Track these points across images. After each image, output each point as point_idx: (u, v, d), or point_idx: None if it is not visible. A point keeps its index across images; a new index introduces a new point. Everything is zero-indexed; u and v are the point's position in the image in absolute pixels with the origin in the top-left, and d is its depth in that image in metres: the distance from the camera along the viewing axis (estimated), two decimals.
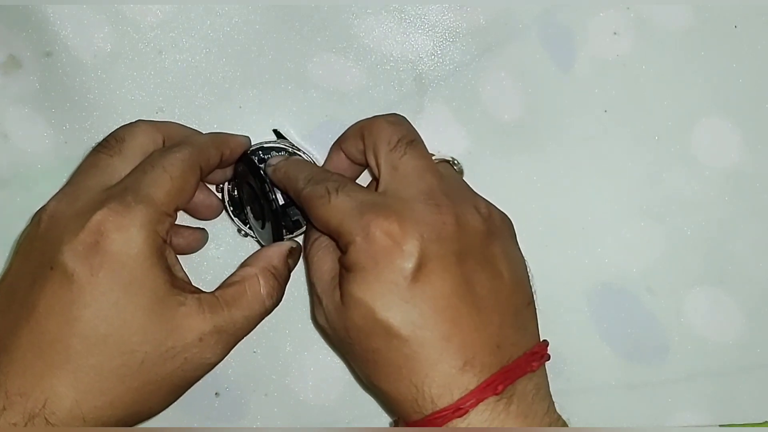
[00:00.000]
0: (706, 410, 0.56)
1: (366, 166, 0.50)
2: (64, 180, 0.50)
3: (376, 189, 0.47)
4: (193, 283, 0.48)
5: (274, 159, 0.52)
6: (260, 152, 0.53)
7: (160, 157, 0.46)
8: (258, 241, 0.55)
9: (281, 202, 0.52)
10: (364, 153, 0.49)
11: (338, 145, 0.52)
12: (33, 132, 0.55)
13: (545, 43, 0.56)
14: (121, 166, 0.47)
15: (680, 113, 0.56)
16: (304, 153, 0.54)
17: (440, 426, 0.42)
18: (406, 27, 0.56)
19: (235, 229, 0.55)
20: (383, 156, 0.47)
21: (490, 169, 0.56)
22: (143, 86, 0.55)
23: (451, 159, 0.50)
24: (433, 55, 0.56)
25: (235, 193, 0.54)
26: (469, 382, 0.42)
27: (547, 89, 0.56)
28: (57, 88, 0.55)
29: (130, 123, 0.50)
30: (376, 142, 0.48)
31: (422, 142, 0.48)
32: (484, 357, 0.43)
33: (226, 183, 0.54)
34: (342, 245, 0.45)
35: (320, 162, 0.54)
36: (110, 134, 0.49)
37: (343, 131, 0.51)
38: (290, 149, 0.54)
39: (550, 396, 0.45)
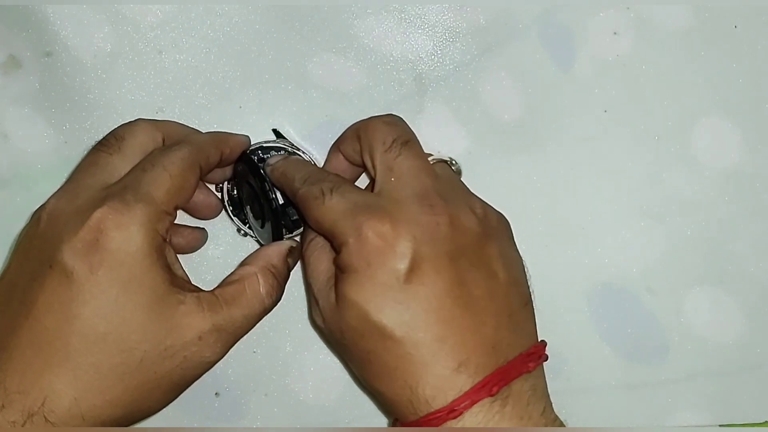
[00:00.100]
0: (706, 410, 0.56)
1: (364, 167, 0.50)
2: (64, 180, 0.50)
3: (372, 190, 0.47)
4: (192, 283, 0.48)
5: (273, 158, 0.52)
6: (259, 152, 0.53)
7: (159, 155, 0.46)
8: (257, 241, 0.55)
9: (281, 201, 0.52)
10: (361, 154, 0.49)
11: (336, 146, 0.52)
12: (33, 132, 0.55)
13: (545, 43, 0.56)
14: (120, 165, 0.47)
15: (680, 113, 0.56)
16: (303, 152, 0.54)
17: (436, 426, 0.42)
18: (406, 27, 0.56)
19: (235, 228, 0.55)
20: (378, 157, 0.47)
21: (490, 169, 0.56)
22: (143, 86, 0.55)
23: (449, 159, 0.50)
24: (433, 55, 0.56)
25: (235, 192, 0.54)
26: (464, 383, 0.42)
27: (547, 89, 0.56)
28: (57, 88, 0.55)
29: (130, 121, 0.50)
30: (372, 142, 0.48)
31: (418, 142, 0.48)
32: (479, 358, 0.42)
33: (226, 182, 0.54)
34: (336, 246, 0.45)
35: (320, 162, 0.54)
36: (110, 133, 0.49)
37: (343, 131, 0.51)
38: (289, 149, 0.54)
39: (548, 396, 0.45)
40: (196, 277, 0.52)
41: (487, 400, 0.42)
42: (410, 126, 0.49)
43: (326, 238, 0.47)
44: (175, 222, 0.47)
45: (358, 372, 0.47)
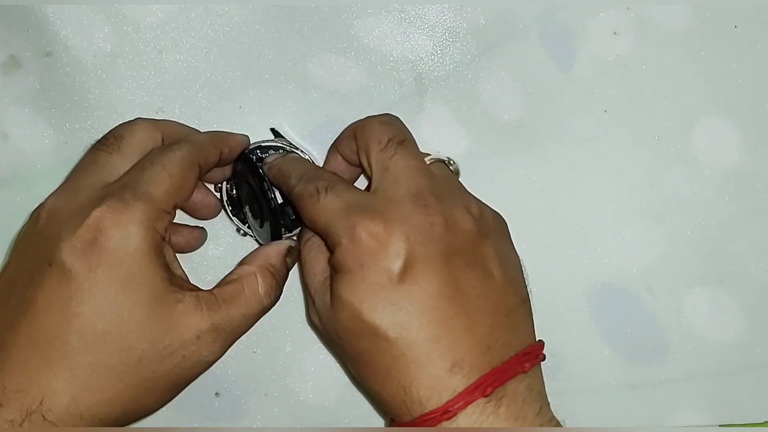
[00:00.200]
0: (706, 410, 0.56)
1: (361, 167, 0.50)
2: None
3: (369, 189, 0.47)
4: (192, 282, 0.48)
5: (271, 157, 0.52)
6: (258, 151, 0.53)
7: (159, 154, 0.47)
8: (257, 240, 0.55)
9: (280, 200, 0.52)
10: (358, 154, 0.49)
11: (335, 147, 0.52)
12: (33, 132, 0.55)
13: (545, 43, 0.56)
14: (120, 164, 0.47)
15: (680, 113, 0.56)
16: (301, 151, 0.54)
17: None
18: (406, 27, 0.56)
19: (234, 228, 0.55)
20: (374, 156, 0.47)
21: (490, 169, 0.56)
22: (143, 86, 0.55)
23: (446, 159, 0.49)
24: (433, 55, 0.56)
25: (234, 192, 0.54)
26: (458, 384, 0.42)
27: (547, 89, 0.56)
28: (57, 88, 0.55)
29: (130, 121, 0.50)
30: (368, 142, 0.47)
31: (414, 142, 0.48)
32: (474, 358, 0.42)
33: (225, 182, 0.54)
34: (329, 246, 0.45)
35: (319, 163, 0.54)
36: (109, 132, 0.49)
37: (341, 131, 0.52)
38: (288, 148, 0.54)
39: (544, 397, 0.45)
40: (196, 277, 0.52)
41: (481, 401, 0.42)
42: (410, 126, 0.49)
43: (321, 237, 0.47)
44: (175, 221, 0.48)
45: (354, 372, 0.47)
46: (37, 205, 0.47)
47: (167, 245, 0.47)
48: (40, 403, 0.41)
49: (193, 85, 0.55)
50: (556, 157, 0.56)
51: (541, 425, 0.43)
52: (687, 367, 0.56)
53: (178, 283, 0.45)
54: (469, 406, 0.41)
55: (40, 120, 0.55)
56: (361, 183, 0.54)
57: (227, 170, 0.53)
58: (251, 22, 0.55)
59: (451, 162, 0.50)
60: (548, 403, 0.45)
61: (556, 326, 0.54)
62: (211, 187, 0.54)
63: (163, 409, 0.46)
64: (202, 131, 0.52)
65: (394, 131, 0.47)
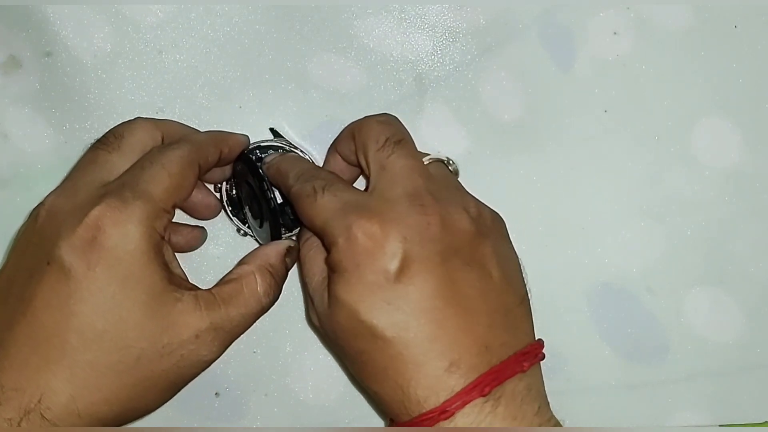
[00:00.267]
0: (706, 410, 0.56)
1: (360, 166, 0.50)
2: None
3: (366, 189, 0.47)
4: (191, 282, 0.48)
5: (269, 156, 0.52)
6: (258, 151, 0.53)
7: (158, 153, 0.47)
8: (257, 240, 0.55)
9: (279, 200, 0.52)
10: (356, 153, 0.49)
11: (334, 147, 0.52)
12: (33, 132, 0.55)
13: (545, 43, 0.56)
14: (119, 163, 0.47)
15: (680, 113, 0.56)
16: (301, 151, 0.54)
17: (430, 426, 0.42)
18: (406, 27, 0.56)
19: (234, 228, 0.55)
20: (371, 155, 0.47)
21: (490, 169, 0.56)
22: (143, 86, 0.55)
23: (445, 159, 0.49)
24: (433, 55, 0.56)
25: (234, 192, 0.54)
26: (455, 383, 0.42)
27: (547, 89, 0.56)
28: (57, 88, 0.55)
29: (129, 120, 0.50)
30: (365, 141, 0.47)
31: (411, 141, 0.48)
32: (471, 358, 0.42)
33: (224, 182, 0.54)
34: (326, 245, 0.45)
35: (319, 163, 0.54)
36: (109, 131, 0.49)
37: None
38: (287, 148, 0.54)
39: (544, 396, 0.45)
40: (196, 277, 0.52)
41: (479, 401, 0.41)
42: (410, 126, 0.49)
43: (318, 236, 0.47)
44: (174, 221, 0.47)
45: (353, 372, 0.47)
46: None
47: (166, 244, 0.47)
48: (39, 402, 0.41)
49: (193, 85, 0.55)
50: (556, 157, 0.56)
51: (540, 425, 0.43)
52: (687, 367, 0.56)
53: (177, 282, 0.45)
54: (467, 405, 0.41)
55: (40, 120, 0.55)
56: (361, 183, 0.54)
57: (227, 170, 0.53)
58: (251, 22, 0.55)
59: (450, 162, 0.50)
60: (547, 403, 0.45)
61: (556, 326, 0.54)
62: (211, 187, 0.54)
63: (163, 408, 0.46)
64: (202, 131, 0.52)
65: (391, 131, 0.47)
